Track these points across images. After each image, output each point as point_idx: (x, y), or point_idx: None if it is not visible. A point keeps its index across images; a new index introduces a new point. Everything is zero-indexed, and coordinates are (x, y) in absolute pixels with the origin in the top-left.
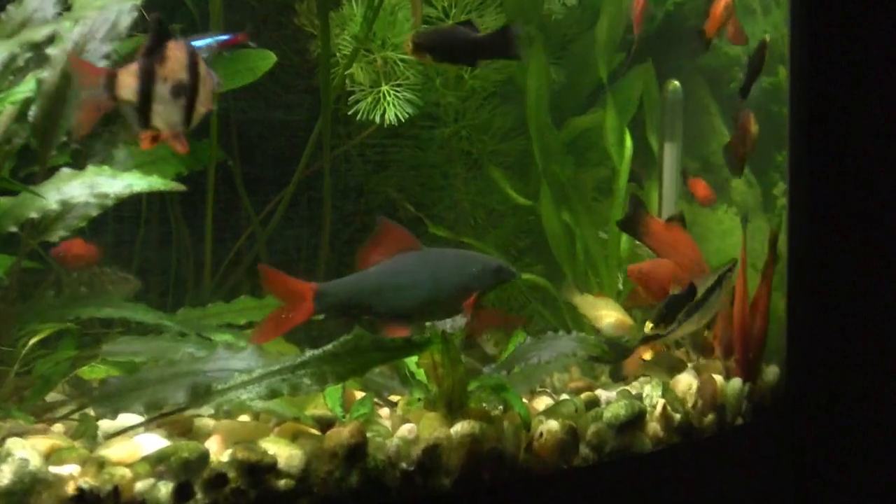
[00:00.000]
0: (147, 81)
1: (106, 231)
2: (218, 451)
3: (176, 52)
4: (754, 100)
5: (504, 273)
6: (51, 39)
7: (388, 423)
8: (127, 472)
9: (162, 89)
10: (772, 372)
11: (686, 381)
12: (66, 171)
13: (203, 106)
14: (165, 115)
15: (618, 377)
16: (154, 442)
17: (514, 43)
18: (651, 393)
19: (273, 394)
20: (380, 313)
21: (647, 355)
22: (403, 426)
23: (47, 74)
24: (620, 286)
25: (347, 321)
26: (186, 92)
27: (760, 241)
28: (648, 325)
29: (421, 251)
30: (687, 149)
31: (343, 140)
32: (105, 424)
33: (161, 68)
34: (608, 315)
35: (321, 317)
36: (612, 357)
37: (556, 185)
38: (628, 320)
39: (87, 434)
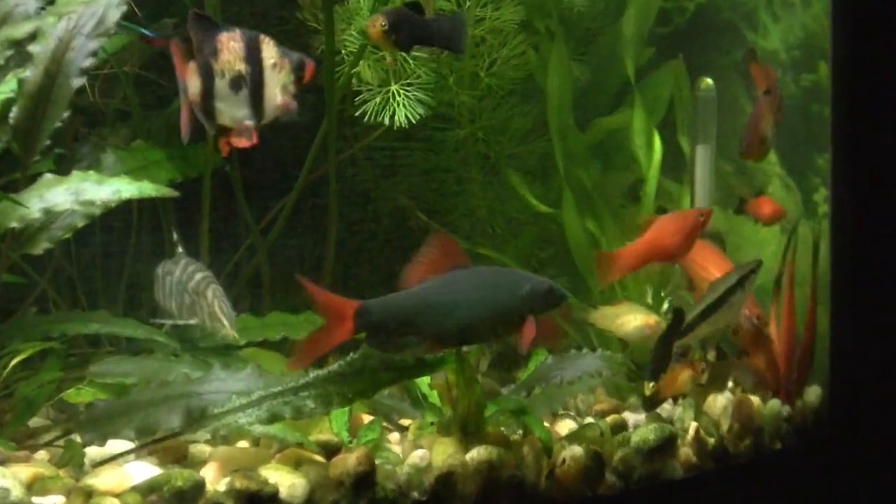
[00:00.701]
0: (207, 78)
1: (93, 241)
2: (214, 480)
3: (230, 44)
4: (793, 98)
5: (555, 296)
6: (33, 36)
7: (398, 449)
8: (116, 503)
9: (220, 84)
10: (813, 392)
11: (721, 403)
12: (49, 176)
13: (276, 97)
14: (227, 111)
15: (648, 407)
16: (145, 470)
17: (460, 34)
18: (682, 415)
19: (274, 417)
20: (425, 334)
21: (686, 374)
22: (415, 452)
23: (30, 73)
24: (650, 300)
25: (388, 342)
26: (247, 84)
27: (800, 251)
28: (648, 386)
29: (471, 269)
30: (721, 151)
31: (350, 143)
32: (92, 451)
33: (216, 63)
34: (631, 319)
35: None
36: (641, 378)
37: (580, 191)
38: (653, 319)
39: (72, 462)
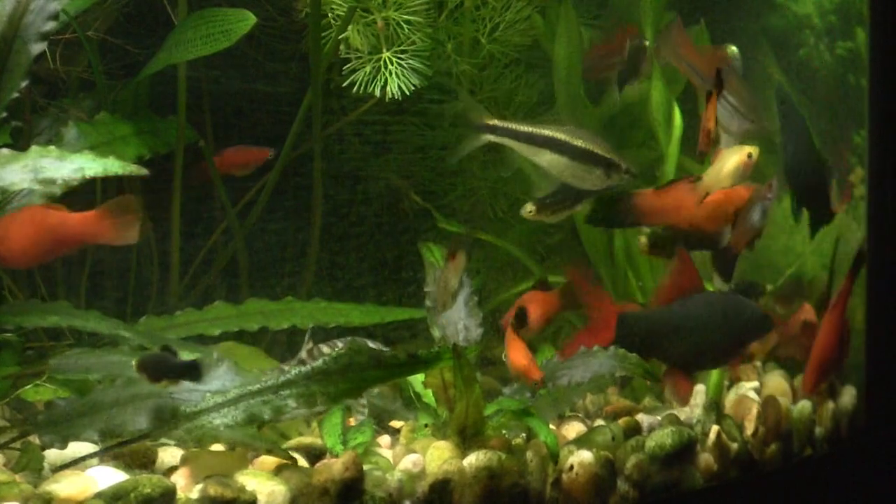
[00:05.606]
0: None
1: None
2: (186, 487)
3: None
4: (827, 68)
5: (766, 325)
6: None
7: (388, 454)
8: None
9: None
10: (848, 394)
11: (745, 404)
12: (4, 152)
13: None
14: None
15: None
16: (110, 475)
17: None
18: (703, 418)
19: (252, 418)
20: (670, 356)
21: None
22: (407, 457)
23: None
24: None
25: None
26: None
27: (829, 240)
28: None
29: (706, 294)
30: None
31: (337, 116)
32: (52, 455)
33: None
34: (728, 163)
35: None
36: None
37: None
38: (745, 153)
39: (30, 466)
